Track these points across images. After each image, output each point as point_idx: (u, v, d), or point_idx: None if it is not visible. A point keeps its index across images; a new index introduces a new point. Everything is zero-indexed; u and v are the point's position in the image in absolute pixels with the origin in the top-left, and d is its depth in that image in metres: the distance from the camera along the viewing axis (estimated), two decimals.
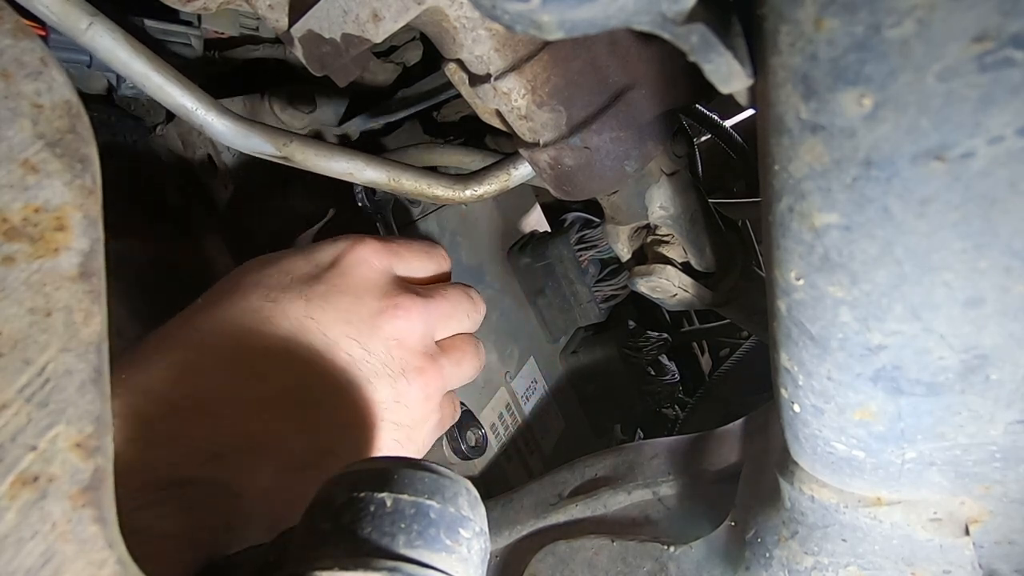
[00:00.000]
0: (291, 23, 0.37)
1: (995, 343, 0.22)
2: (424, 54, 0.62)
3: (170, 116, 0.59)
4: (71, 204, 0.21)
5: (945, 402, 0.24)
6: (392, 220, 0.58)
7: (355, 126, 0.61)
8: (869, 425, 0.27)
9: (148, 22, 0.49)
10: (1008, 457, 0.26)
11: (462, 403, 0.56)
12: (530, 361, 0.73)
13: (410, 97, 0.60)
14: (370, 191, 0.56)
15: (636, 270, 0.48)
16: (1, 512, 0.18)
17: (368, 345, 0.38)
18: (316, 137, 0.52)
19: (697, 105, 0.68)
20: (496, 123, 0.40)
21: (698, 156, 0.47)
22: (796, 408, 0.29)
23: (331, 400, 0.36)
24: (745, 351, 0.85)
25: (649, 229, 0.48)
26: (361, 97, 0.63)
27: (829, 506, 0.32)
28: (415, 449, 0.42)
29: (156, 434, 0.31)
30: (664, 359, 0.82)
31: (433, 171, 0.49)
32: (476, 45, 0.35)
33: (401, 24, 0.33)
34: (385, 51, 0.61)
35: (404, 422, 0.40)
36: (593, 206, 0.65)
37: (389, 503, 0.22)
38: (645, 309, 0.92)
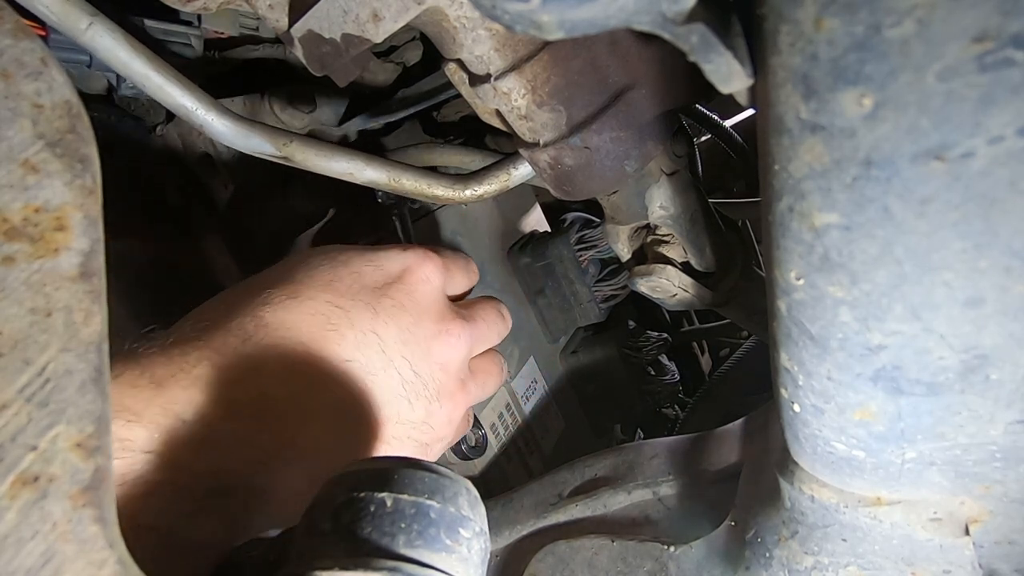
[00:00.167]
0: (291, 23, 0.37)
1: (995, 343, 0.22)
2: (424, 54, 0.62)
3: (170, 116, 0.59)
4: (71, 204, 0.21)
5: (945, 402, 0.24)
6: (408, 217, 0.58)
7: (355, 126, 0.61)
8: (869, 425, 0.27)
9: (148, 22, 0.50)
10: (1008, 457, 0.26)
11: None
12: (530, 361, 0.73)
13: (410, 97, 0.60)
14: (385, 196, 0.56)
15: (636, 270, 0.48)
16: (1, 512, 0.18)
17: (418, 367, 0.40)
18: (316, 137, 0.52)
19: (697, 105, 0.68)
20: (496, 123, 0.40)
21: (698, 156, 0.47)
22: (796, 408, 0.29)
23: (373, 416, 0.37)
24: (745, 351, 0.85)
25: (649, 229, 0.48)
26: (361, 97, 0.63)
27: (829, 506, 0.32)
28: (433, 457, 0.43)
29: (211, 438, 0.31)
30: (664, 359, 0.82)
31: (433, 171, 0.49)
32: (476, 45, 0.35)
33: (401, 24, 0.33)
34: (385, 51, 0.61)
35: (425, 440, 0.41)
36: (593, 206, 0.65)
37: (389, 503, 0.22)
38: (645, 309, 0.92)
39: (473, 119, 0.48)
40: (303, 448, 0.34)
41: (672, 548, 0.42)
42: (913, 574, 0.32)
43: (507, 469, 0.67)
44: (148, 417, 0.29)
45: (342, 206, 0.66)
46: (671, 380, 0.81)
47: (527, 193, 0.80)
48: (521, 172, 0.49)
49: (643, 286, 0.48)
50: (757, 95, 0.22)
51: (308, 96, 0.60)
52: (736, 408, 0.71)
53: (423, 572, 0.21)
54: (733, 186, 0.99)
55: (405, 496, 0.23)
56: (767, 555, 0.36)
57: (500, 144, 0.65)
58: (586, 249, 0.72)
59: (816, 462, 0.31)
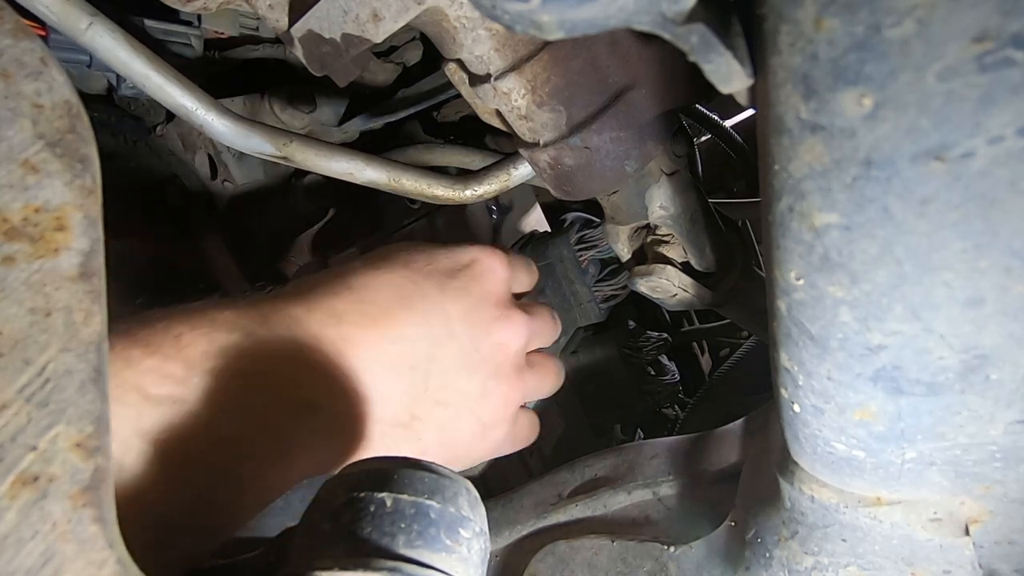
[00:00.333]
0: (291, 23, 0.37)
1: (995, 343, 0.22)
2: (424, 54, 0.62)
3: (170, 116, 0.59)
4: (71, 204, 0.21)
5: (945, 402, 0.24)
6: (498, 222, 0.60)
7: (355, 126, 0.61)
8: (869, 425, 0.27)
9: (148, 22, 0.50)
10: (1008, 457, 0.26)
11: None
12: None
13: (410, 97, 0.60)
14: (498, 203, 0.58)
15: (636, 270, 0.48)
16: (1, 512, 0.18)
17: (478, 343, 0.44)
18: (316, 137, 0.52)
19: (697, 105, 0.68)
20: (496, 123, 0.40)
21: (698, 156, 0.47)
22: (796, 408, 0.29)
23: (437, 376, 0.42)
24: (745, 351, 0.85)
25: (649, 229, 0.48)
26: (361, 97, 0.63)
27: (829, 506, 0.32)
28: (486, 449, 0.46)
29: (301, 361, 0.37)
30: (664, 359, 0.82)
31: (433, 171, 0.49)
32: (476, 45, 0.35)
33: (401, 24, 0.33)
34: (385, 51, 0.61)
35: (483, 418, 0.45)
36: (593, 206, 0.65)
37: (389, 503, 0.22)
38: (645, 309, 0.91)
39: (473, 119, 0.48)
40: (371, 388, 0.39)
41: (672, 548, 0.42)
42: (913, 574, 0.32)
43: (507, 469, 0.67)
44: (258, 337, 0.36)
45: (342, 206, 0.66)
46: (671, 380, 0.81)
47: (527, 193, 0.80)
48: (521, 172, 0.49)
49: (643, 286, 0.48)
50: (757, 95, 0.22)
51: (308, 96, 0.60)
52: (736, 408, 0.71)
53: (423, 572, 0.21)
54: (733, 186, 0.99)
55: (405, 496, 0.23)
56: (767, 555, 0.36)
57: (500, 144, 0.65)
58: (586, 249, 0.72)
59: (816, 462, 0.31)
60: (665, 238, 0.47)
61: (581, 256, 0.72)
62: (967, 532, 0.30)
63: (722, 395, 0.85)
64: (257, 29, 0.56)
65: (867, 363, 0.24)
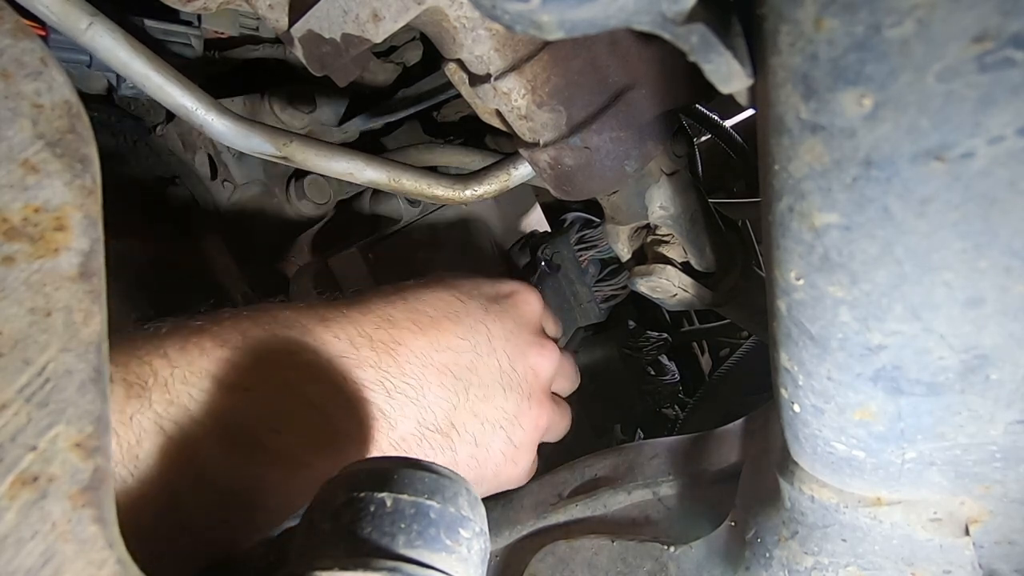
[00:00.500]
0: (291, 23, 0.37)
1: (995, 343, 0.22)
2: (424, 54, 0.62)
3: (170, 116, 0.59)
4: (71, 204, 0.21)
5: (945, 402, 0.24)
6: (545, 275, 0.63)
7: (355, 126, 0.61)
8: (869, 425, 0.27)
9: (148, 22, 0.50)
10: (1008, 457, 0.26)
11: None
12: None
13: (410, 97, 0.60)
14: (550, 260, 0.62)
15: (636, 270, 0.48)
16: (1, 512, 0.18)
17: (515, 363, 0.47)
18: (316, 137, 0.52)
19: (697, 105, 0.68)
20: (496, 123, 0.40)
21: (698, 156, 0.47)
22: (796, 408, 0.29)
23: (477, 388, 0.45)
24: (745, 351, 0.85)
25: (649, 229, 0.48)
26: (361, 97, 0.63)
27: (829, 506, 0.32)
28: (513, 475, 0.48)
29: (351, 360, 0.39)
30: (664, 359, 0.82)
31: (433, 171, 0.49)
32: (476, 45, 0.35)
33: (401, 24, 0.33)
34: (385, 51, 0.61)
35: (514, 439, 0.47)
36: (593, 206, 0.65)
37: (389, 503, 0.22)
38: (645, 309, 0.91)
39: (473, 119, 0.48)
40: (419, 389, 0.42)
41: (672, 548, 0.42)
42: (913, 574, 0.32)
43: None
44: (345, 334, 0.40)
45: (342, 206, 0.66)
46: (671, 380, 0.81)
47: (527, 193, 0.80)
48: (521, 172, 0.49)
49: (643, 286, 0.48)
50: (757, 95, 0.22)
51: (308, 96, 0.60)
52: (736, 408, 0.71)
53: (423, 572, 0.21)
54: (733, 186, 0.99)
55: (405, 496, 0.23)
56: (767, 555, 0.36)
57: (500, 144, 0.65)
58: (586, 249, 0.72)
59: (816, 462, 0.31)
60: (665, 238, 0.47)
61: (581, 256, 0.72)
62: (967, 532, 0.30)
63: (722, 395, 0.85)
64: (257, 29, 0.56)
65: (867, 363, 0.24)
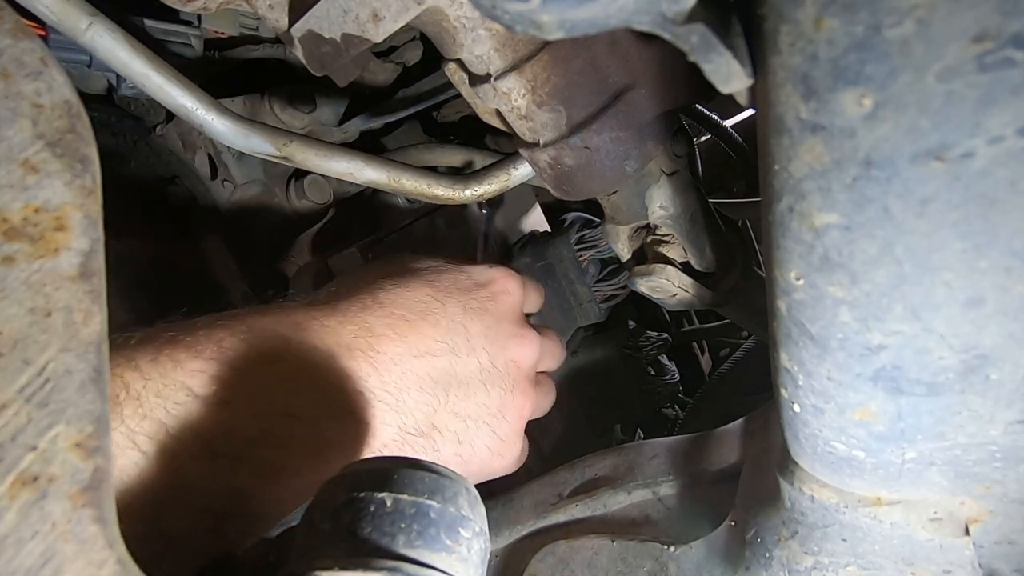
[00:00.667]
0: (291, 23, 0.37)
1: (995, 343, 0.22)
2: (424, 54, 0.62)
3: (170, 116, 0.59)
4: (71, 204, 0.21)
5: (945, 402, 0.24)
6: (492, 225, 0.62)
7: (355, 126, 0.61)
8: (869, 425, 0.27)
9: (148, 22, 0.50)
10: (1008, 457, 0.26)
11: None
12: None
13: (410, 97, 0.60)
14: (488, 208, 0.59)
15: (636, 270, 0.48)
16: (1, 512, 0.18)
17: (496, 359, 0.47)
18: (316, 137, 0.52)
19: (697, 105, 0.68)
20: (496, 123, 0.40)
21: (698, 156, 0.47)
22: (796, 408, 0.29)
23: (457, 389, 0.45)
24: (745, 351, 0.85)
25: (649, 229, 0.48)
26: (361, 97, 0.63)
27: (829, 506, 0.32)
28: (500, 466, 0.48)
29: (329, 367, 0.39)
30: (664, 359, 0.82)
31: (433, 171, 0.49)
32: (476, 45, 0.35)
33: (401, 24, 0.33)
34: (385, 51, 0.61)
35: (500, 433, 0.47)
36: (593, 206, 0.65)
37: (389, 503, 0.22)
38: (645, 309, 0.91)
39: (473, 119, 0.49)
40: (399, 394, 0.41)
41: (672, 548, 0.42)
42: (913, 574, 0.32)
43: None
44: (329, 330, 0.40)
45: (342, 206, 0.66)
46: (671, 380, 0.81)
47: (527, 193, 0.80)
48: (521, 172, 0.49)
49: (643, 286, 0.48)
50: (757, 95, 0.22)
51: (308, 96, 0.60)
52: (736, 408, 0.71)
53: (423, 572, 0.21)
54: (733, 186, 0.99)
55: (405, 496, 0.23)
56: (767, 555, 0.36)
57: (500, 144, 0.65)
58: (586, 249, 0.72)
59: (816, 462, 0.31)
60: (665, 238, 0.47)
61: (581, 256, 0.72)
62: (967, 532, 0.30)
63: (722, 395, 0.85)
64: (257, 29, 0.56)
65: (867, 363, 0.24)
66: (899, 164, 0.19)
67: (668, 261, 0.47)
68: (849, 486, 0.31)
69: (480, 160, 0.58)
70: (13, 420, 0.18)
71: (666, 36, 0.20)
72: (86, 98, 0.34)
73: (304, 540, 0.23)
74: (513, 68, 0.35)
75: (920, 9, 0.16)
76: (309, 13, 0.35)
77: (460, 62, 0.37)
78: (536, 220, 0.81)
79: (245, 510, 0.34)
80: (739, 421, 0.47)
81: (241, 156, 0.59)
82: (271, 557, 0.26)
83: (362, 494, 0.23)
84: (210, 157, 0.60)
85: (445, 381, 0.44)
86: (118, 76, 0.47)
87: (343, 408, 0.39)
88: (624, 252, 0.50)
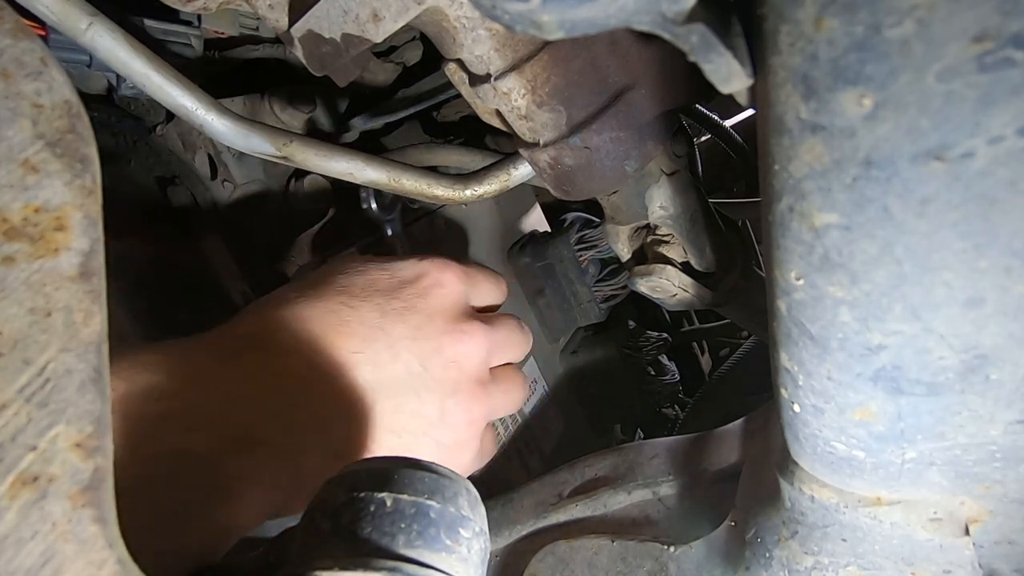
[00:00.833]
0: (291, 23, 0.37)
1: (995, 343, 0.22)
2: (424, 54, 0.62)
3: (170, 116, 0.59)
4: (71, 204, 0.21)
5: (945, 402, 0.24)
6: (400, 226, 0.58)
7: (355, 126, 0.61)
8: (869, 425, 0.27)
9: (148, 22, 0.49)
10: (1008, 457, 0.26)
11: None
12: (530, 361, 0.73)
13: (410, 97, 0.60)
14: (378, 194, 0.56)
15: (636, 270, 0.48)
16: (1, 512, 0.18)
17: (428, 363, 0.42)
18: (316, 137, 0.52)
19: (697, 105, 0.68)
20: (496, 123, 0.40)
21: (698, 156, 0.47)
22: (796, 408, 0.29)
23: (384, 403, 0.40)
24: (745, 351, 0.85)
25: (649, 229, 0.48)
26: (361, 97, 0.63)
27: (829, 506, 0.32)
28: (460, 469, 0.44)
29: (234, 395, 0.35)
30: (664, 359, 0.82)
31: (433, 171, 0.49)
32: (476, 45, 0.35)
33: (401, 24, 0.33)
34: (385, 51, 0.61)
35: (446, 442, 0.43)
36: (593, 206, 0.65)
37: (389, 503, 0.22)
38: (645, 309, 0.92)
39: (473, 119, 0.48)
40: (315, 424, 0.37)
41: (672, 548, 0.42)
42: (913, 574, 0.32)
43: (507, 469, 0.67)
44: (168, 368, 0.33)
45: (342, 206, 0.66)
46: (671, 380, 0.81)
47: (527, 193, 0.80)
48: (521, 172, 0.49)
49: (643, 286, 0.48)
50: (757, 95, 0.22)
51: (308, 96, 0.59)
52: (736, 408, 0.71)
53: (423, 572, 0.21)
54: (733, 186, 0.99)
55: (405, 496, 0.23)
56: (767, 555, 0.36)
57: (500, 144, 0.65)
58: (586, 249, 0.72)
59: (816, 462, 0.31)
60: (665, 238, 0.47)
61: (581, 256, 0.72)
62: (967, 532, 0.30)
63: (722, 395, 0.85)
64: (257, 29, 0.56)
65: (867, 363, 0.24)
66: (899, 164, 0.19)
67: (668, 261, 0.47)
68: (849, 486, 0.31)
69: (480, 160, 0.58)
70: (13, 420, 0.18)
71: (666, 36, 0.20)
72: (86, 98, 0.34)
73: (304, 540, 0.23)
74: (513, 68, 0.35)
75: (920, 9, 0.16)
76: (309, 13, 0.35)
77: (460, 62, 0.37)
78: (536, 220, 0.81)
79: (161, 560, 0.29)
80: (739, 421, 0.47)
81: (241, 156, 0.59)
82: (271, 557, 0.26)
83: (362, 494, 0.23)
84: (210, 157, 0.60)
85: (368, 396, 0.39)
86: (118, 76, 0.47)
87: (247, 442, 0.34)
88: (624, 252, 0.50)
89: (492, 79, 0.35)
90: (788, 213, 0.22)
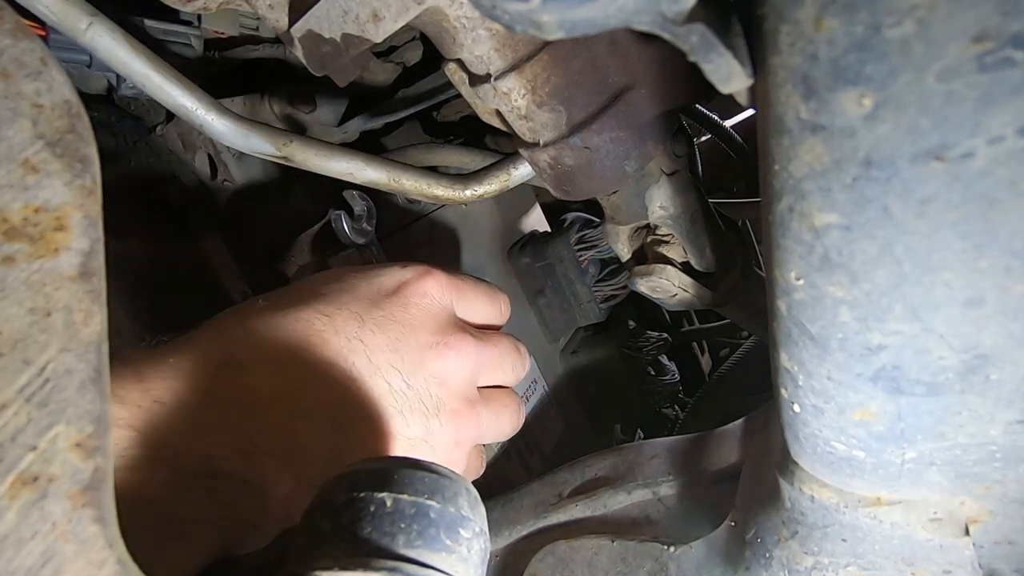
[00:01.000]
0: (291, 23, 0.37)
1: (995, 343, 0.22)
2: (424, 54, 0.62)
3: (170, 116, 0.59)
4: (71, 204, 0.21)
5: (945, 402, 0.24)
6: (378, 251, 0.55)
7: (355, 126, 0.61)
8: (869, 425, 0.27)
9: (148, 22, 0.49)
10: (1008, 457, 0.26)
11: None
12: (530, 361, 0.73)
13: (410, 97, 0.60)
14: (354, 218, 0.55)
15: (636, 270, 0.48)
16: (1, 512, 0.18)
17: (409, 378, 0.38)
18: (316, 137, 0.52)
19: (697, 105, 0.68)
20: (496, 123, 0.40)
21: (698, 156, 0.47)
22: (796, 408, 0.29)
23: (362, 425, 0.37)
24: (745, 351, 0.85)
25: (649, 229, 0.48)
26: (361, 97, 0.63)
27: (829, 506, 0.32)
28: None
29: (197, 423, 0.31)
30: (664, 359, 0.82)
31: (433, 171, 0.49)
32: (476, 45, 0.35)
33: (401, 24, 0.33)
34: (385, 51, 0.61)
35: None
36: (593, 206, 0.65)
37: (389, 503, 0.22)
38: (645, 309, 0.92)
39: (473, 119, 0.48)
40: (288, 446, 0.34)
41: (672, 548, 0.42)
42: (913, 574, 0.32)
43: (507, 469, 0.67)
44: (129, 400, 0.30)
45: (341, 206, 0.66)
46: (671, 380, 0.81)
47: (527, 193, 0.80)
48: (521, 172, 0.49)
49: (643, 286, 0.48)
50: (757, 95, 0.22)
51: (308, 96, 0.59)
52: (736, 408, 0.71)
53: (423, 572, 0.21)
54: (733, 186, 0.99)
55: (405, 496, 0.23)
56: (767, 555, 0.36)
57: (500, 144, 0.65)
58: (586, 249, 0.72)
59: (816, 462, 0.31)
60: (665, 238, 0.47)
61: (581, 256, 0.72)
62: (967, 532, 0.30)
63: (722, 395, 0.85)
64: (257, 29, 0.56)
65: (867, 363, 0.24)
66: (899, 164, 0.19)
67: (668, 261, 0.47)
68: (849, 486, 0.31)
69: (480, 160, 0.58)
70: (13, 420, 0.18)
71: (666, 36, 0.20)
72: (86, 98, 0.34)
73: (304, 540, 0.23)
74: (513, 68, 0.35)
75: (920, 9, 0.16)
76: (309, 13, 0.35)
77: (460, 62, 0.37)
78: (536, 220, 0.81)
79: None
80: (739, 421, 0.47)
81: (241, 156, 0.59)
82: (271, 557, 0.26)
83: (362, 494, 0.23)
84: (210, 157, 0.60)
85: (344, 415, 0.36)
86: (118, 76, 0.47)
87: (211, 471, 0.31)
88: (624, 252, 0.50)
89: (492, 79, 0.35)
90: (788, 213, 0.22)
